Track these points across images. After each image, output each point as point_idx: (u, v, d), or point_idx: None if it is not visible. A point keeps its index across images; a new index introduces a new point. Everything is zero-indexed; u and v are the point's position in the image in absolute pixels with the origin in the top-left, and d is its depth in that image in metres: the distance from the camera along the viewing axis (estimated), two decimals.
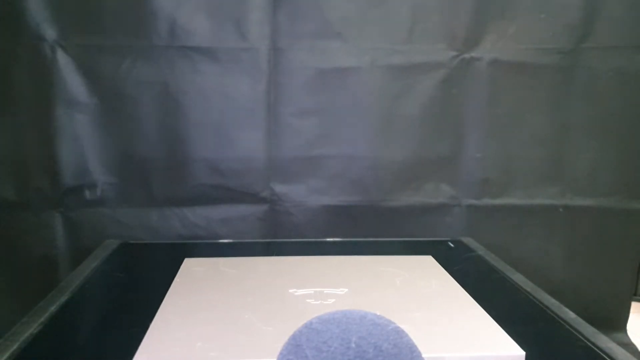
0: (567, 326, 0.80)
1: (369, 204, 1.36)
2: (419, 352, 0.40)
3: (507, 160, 1.38)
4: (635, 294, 1.49)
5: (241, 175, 1.33)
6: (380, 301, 0.82)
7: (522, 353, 0.67)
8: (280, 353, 0.39)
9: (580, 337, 0.77)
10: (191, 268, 0.95)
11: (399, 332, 0.40)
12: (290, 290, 0.84)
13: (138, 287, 0.94)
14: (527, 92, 1.34)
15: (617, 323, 1.47)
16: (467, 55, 1.27)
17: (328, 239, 1.25)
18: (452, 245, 1.20)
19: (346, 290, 0.85)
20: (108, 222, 1.29)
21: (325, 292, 0.83)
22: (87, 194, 1.13)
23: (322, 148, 1.33)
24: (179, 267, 0.96)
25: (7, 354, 0.62)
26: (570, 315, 0.84)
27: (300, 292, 0.82)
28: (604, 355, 0.71)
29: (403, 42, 1.25)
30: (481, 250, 1.16)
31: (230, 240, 1.25)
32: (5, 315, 1.03)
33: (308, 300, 0.81)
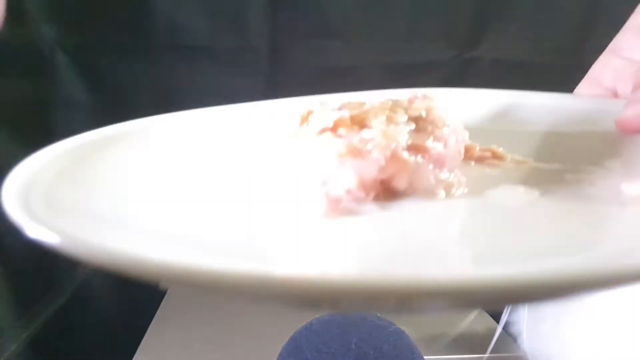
0: None
1: None
2: (420, 353, 0.40)
3: None
4: None
5: None
6: None
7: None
8: (280, 354, 0.39)
9: None
10: None
11: (400, 334, 0.40)
12: None
13: (137, 287, 0.93)
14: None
15: None
16: (467, 55, 1.27)
17: None
18: None
19: None
20: None
21: None
22: None
23: None
24: None
25: (6, 354, 0.62)
26: None
27: None
28: None
29: (403, 41, 1.24)
30: None
31: None
32: (5, 315, 1.03)
33: None
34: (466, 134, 0.33)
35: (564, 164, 0.34)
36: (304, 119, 0.35)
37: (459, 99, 0.42)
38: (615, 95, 0.41)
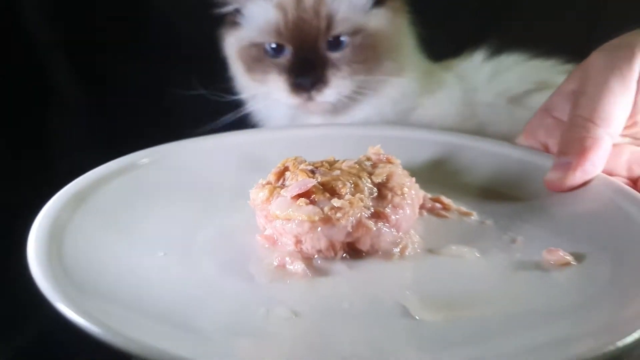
0: None
1: None
2: None
3: None
4: None
5: None
6: None
7: None
8: None
9: None
10: None
11: None
12: None
13: None
14: None
15: None
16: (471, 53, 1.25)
17: None
18: None
19: None
20: None
21: None
22: None
23: None
24: None
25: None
26: None
27: None
28: None
29: None
30: None
31: None
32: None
33: None
34: (421, 193, 0.39)
35: (501, 219, 0.40)
36: (280, 175, 0.39)
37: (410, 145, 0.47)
38: (547, 148, 0.47)
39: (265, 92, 0.55)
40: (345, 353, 0.27)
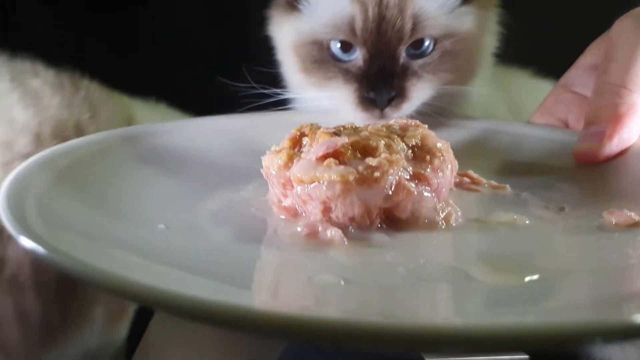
0: None
1: None
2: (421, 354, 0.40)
3: None
4: None
5: None
6: None
7: (525, 356, 0.67)
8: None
9: None
10: None
11: None
12: None
13: None
14: None
15: None
16: None
17: None
18: None
19: None
20: None
21: None
22: None
23: None
24: None
25: None
26: None
27: None
28: None
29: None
30: None
31: None
32: None
33: None
34: (456, 163, 0.34)
35: (538, 192, 0.36)
36: (296, 142, 0.34)
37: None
38: (566, 125, 0.44)
39: (322, 97, 0.46)
40: (416, 313, 0.22)
